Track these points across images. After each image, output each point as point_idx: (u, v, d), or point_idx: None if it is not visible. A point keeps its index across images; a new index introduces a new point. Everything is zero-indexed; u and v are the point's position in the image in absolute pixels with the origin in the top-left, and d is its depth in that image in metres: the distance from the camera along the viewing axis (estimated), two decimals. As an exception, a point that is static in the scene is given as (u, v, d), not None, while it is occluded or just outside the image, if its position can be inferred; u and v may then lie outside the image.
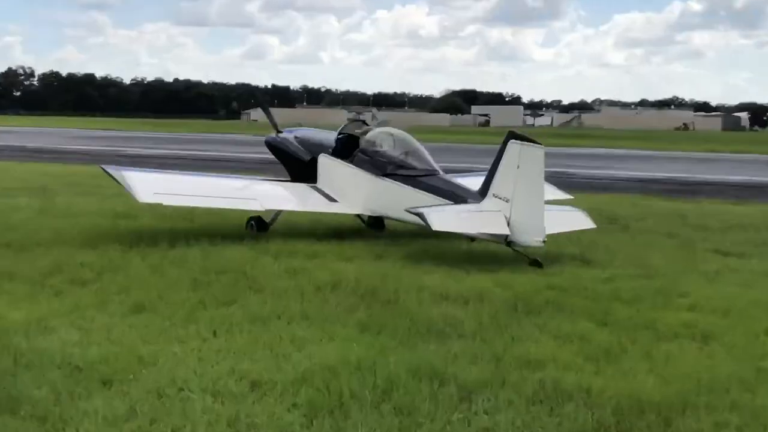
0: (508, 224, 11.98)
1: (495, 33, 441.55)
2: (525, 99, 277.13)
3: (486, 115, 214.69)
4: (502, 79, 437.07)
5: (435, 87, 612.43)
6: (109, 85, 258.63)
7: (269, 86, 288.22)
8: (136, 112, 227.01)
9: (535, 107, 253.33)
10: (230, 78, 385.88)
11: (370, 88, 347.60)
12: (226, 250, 12.43)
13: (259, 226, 14.61)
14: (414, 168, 14.18)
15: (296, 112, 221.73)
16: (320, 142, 15.90)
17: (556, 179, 17.86)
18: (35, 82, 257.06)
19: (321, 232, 14.63)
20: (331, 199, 14.71)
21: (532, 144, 11.96)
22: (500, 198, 12.18)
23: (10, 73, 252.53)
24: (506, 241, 12.14)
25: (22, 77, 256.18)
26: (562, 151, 46.60)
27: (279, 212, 14.71)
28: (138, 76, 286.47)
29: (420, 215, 12.37)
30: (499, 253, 12.63)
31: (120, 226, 14.63)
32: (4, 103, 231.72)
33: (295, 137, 16.38)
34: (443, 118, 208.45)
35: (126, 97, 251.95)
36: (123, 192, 14.18)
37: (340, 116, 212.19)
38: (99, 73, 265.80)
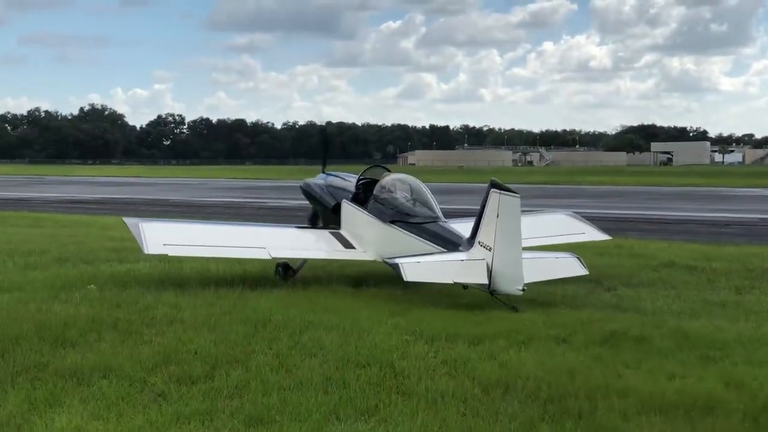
0: (490, 273, 12.60)
1: (675, 62, 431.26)
2: (711, 134, 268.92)
3: (668, 152, 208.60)
4: (684, 113, 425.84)
5: (608, 123, 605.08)
6: (260, 131, 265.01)
7: (427, 126, 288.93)
8: (287, 158, 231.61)
9: (724, 142, 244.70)
10: (385, 119, 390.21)
11: (536, 126, 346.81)
12: (372, 331, 10.83)
13: (285, 273, 15.53)
14: (417, 215, 14.94)
15: (456, 153, 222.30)
16: (344, 188, 16.63)
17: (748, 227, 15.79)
18: (185, 130, 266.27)
19: (478, 299, 12.95)
20: (349, 246, 15.41)
21: (509, 193, 12.68)
22: (484, 246, 12.84)
23: (161, 122, 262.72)
24: (488, 290, 12.75)
25: (172, 125, 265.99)
26: (757, 193, 43.48)
27: (305, 260, 15.63)
28: (290, 120, 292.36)
29: (394, 266, 13.20)
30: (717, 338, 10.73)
31: (249, 299, 13.23)
32: (155, 152, 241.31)
33: (325, 182, 17.22)
34: (619, 157, 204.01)
35: (278, 143, 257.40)
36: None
37: (505, 157, 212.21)
38: (250, 119, 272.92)
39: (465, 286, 13.32)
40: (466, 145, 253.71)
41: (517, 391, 8.36)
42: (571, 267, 14.23)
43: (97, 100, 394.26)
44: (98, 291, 13.54)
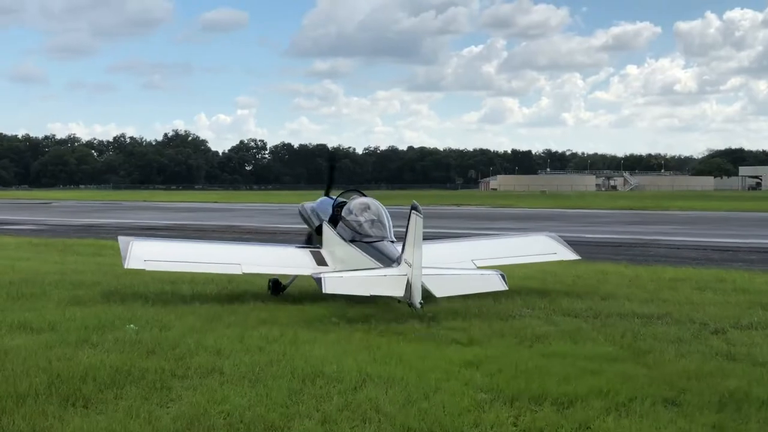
0: (410, 286, 13.49)
1: (763, 84, 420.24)
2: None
3: (757, 176, 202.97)
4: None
5: (694, 147, 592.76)
6: (341, 156, 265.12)
7: (509, 151, 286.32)
8: (369, 183, 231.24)
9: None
10: (467, 144, 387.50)
11: (620, 151, 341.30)
12: (441, 389, 9.11)
13: (274, 289, 16.67)
14: (371, 236, 15.90)
15: (538, 178, 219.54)
16: (326, 210, 17.59)
17: None
18: (267, 155, 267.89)
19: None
20: (322, 263, 16.16)
21: (418, 213, 13.63)
22: (407, 263, 13.68)
23: (243, 147, 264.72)
24: (407, 303, 13.67)
25: (254, 150, 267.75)
26: None
27: (294, 276, 16.49)
28: (371, 145, 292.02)
29: (317, 280, 13.99)
30: None
31: (303, 344, 11.61)
32: (237, 177, 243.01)
33: (315, 205, 18.29)
34: (707, 182, 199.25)
35: (359, 168, 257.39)
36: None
37: (588, 181, 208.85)
38: (331, 144, 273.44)
39: (399, 300, 14.07)
40: (548, 169, 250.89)
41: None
42: (492, 283, 14.78)
43: (182, 126, 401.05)
44: (137, 332, 12.07)
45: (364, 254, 15.50)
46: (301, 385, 9.16)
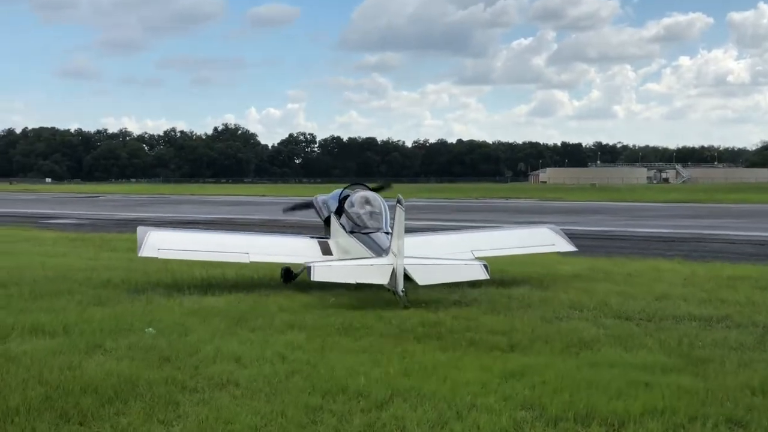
0: (394, 275, 14.17)
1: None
2: None
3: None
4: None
5: (747, 139, 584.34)
6: (390, 149, 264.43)
7: (558, 144, 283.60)
8: (417, 176, 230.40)
9: None
10: (516, 137, 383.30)
11: (672, 143, 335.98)
12: (477, 405, 8.18)
13: (286, 277, 17.11)
14: (368, 227, 16.55)
15: (589, 171, 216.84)
16: (335, 203, 17.98)
17: None
18: (316, 149, 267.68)
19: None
20: (327, 252, 16.79)
21: (401, 206, 14.29)
22: (394, 253, 14.39)
23: (292, 140, 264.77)
24: (392, 290, 14.30)
25: (304, 144, 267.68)
26: None
27: (303, 265, 15.80)
28: (420, 138, 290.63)
29: (307, 269, 14.75)
30: None
31: (331, 352, 10.73)
32: (287, 171, 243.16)
33: (326, 198, 18.85)
34: (761, 174, 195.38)
35: (408, 161, 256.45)
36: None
37: (639, 174, 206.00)
38: (381, 137, 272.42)
39: (388, 289, 14.50)
40: (598, 162, 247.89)
41: None
42: (474, 272, 15.18)
43: (232, 120, 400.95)
44: (154, 337, 11.26)
45: (361, 244, 16.18)
46: (321, 402, 8.24)
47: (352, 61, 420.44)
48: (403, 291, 14.12)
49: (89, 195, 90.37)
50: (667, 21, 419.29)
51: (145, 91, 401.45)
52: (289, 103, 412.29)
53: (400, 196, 14.53)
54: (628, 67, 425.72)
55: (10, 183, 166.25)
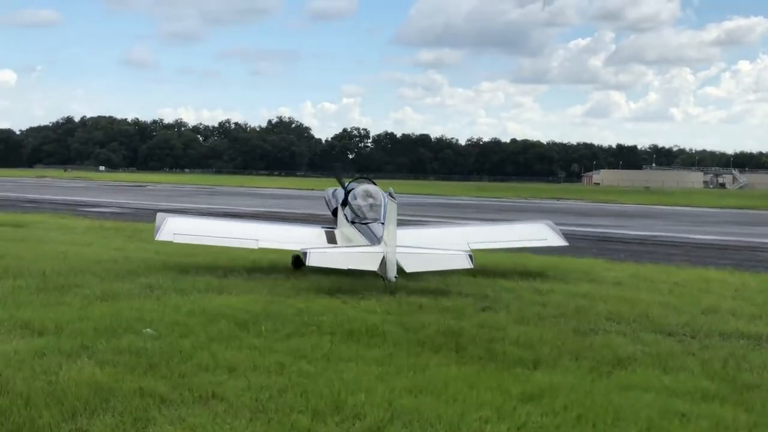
0: (385, 262, 14.84)
1: None
2: None
3: None
4: None
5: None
6: (444, 146, 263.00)
7: (614, 146, 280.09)
8: (470, 174, 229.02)
9: None
10: (571, 138, 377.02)
11: (729, 148, 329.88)
12: None
13: (296, 263, 17.86)
14: (366, 218, 17.41)
15: (643, 173, 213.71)
16: (341, 196, 19.02)
17: None
18: (369, 144, 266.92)
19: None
20: (333, 241, 17.80)
21: (393, 200, 15.51)
22: (385, 242, 15.26)
23: (345, 135, 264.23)
24: (382, 276, 14.99)
25: (357, 139, 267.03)
26: None
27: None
28: (474, 136, 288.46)
29: (303, 254, 15.56)
30: None
31: (335, 363, 9.79)
32: (340, 165, 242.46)
33: (334, 191, 20.05)
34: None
35: (461, 159, 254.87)
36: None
37: (695, 178, 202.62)
38: (435, 134, 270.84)
39: (381, 276, 15.18)
40: (653, 165, 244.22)
41: None
42: (458, 262, 15.94)
43: (287, 113, 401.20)
44: (150, 339, 10.38)
45: (360, 234, 17.01)
46: (310, 423, 7.30)
47: (408, 57, 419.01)
48: (395, 277, 14.81)
49: (137, 184, 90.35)
50: (727, 24, 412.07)
51: (202, 82, 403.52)
52: (344, 97, 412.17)
53: (392, 190, 16.19)
54: (687, 70, 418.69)
55: (65, 170, 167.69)
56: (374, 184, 19.16)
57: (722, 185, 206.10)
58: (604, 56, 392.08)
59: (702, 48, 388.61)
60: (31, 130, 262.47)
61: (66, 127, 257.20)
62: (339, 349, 10.21)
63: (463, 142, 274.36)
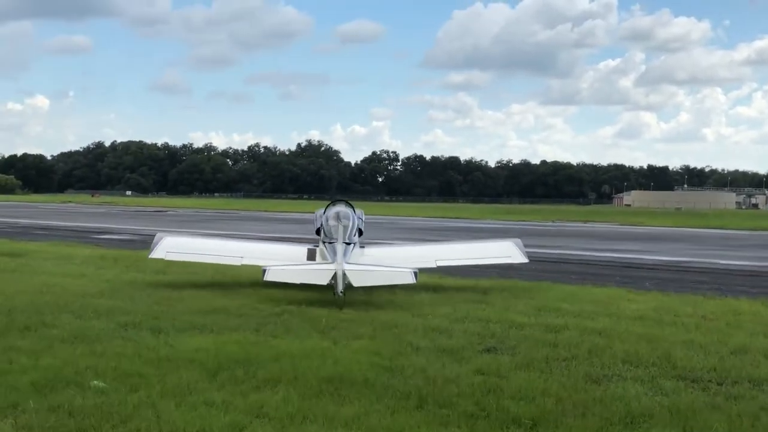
0: (335, 278, 16.48)
1: None
2: None
3: None
4: None
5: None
6: (473, 169, 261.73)
7: (645, 167, 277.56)
8: (500, 196, 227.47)
9: None
10: (601, 159, 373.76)
11: (762, 168, 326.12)
12: None
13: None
14: (331, 237, 18.45)
15: (675, 194, 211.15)
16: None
17: None
18: (399, 167, 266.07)
19: None
20: (312, 259, 19.01)
21: (340, 222, 18.33)
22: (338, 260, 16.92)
23: (375, 158, 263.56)
24: (333, 290, 16.60)
25: (386, 162, 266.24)
26: None
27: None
28: (503, 158, 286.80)
29: (263, 271, 17.01)
30: None
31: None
32: (369, 188, 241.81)
33: (321, 211, 20.53)
34: None
35: (490, 181, 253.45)
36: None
37: (728, 199, 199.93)
38: (465, 156, 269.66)
39: (334, 292, 16.52)
40: (685, 186, 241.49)
41: None
42: (403, 277, 17.27)
43: (317, 136, 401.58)
44: (93, 395, 9.06)
45: (327, 251, 18.25)
46: None
47: (437, 80, 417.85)
48: (342, 293, 16.30)
49: (159, 209, 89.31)
50: (759, 43, 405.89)
51: (233, 106, 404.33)
52: (374, 120, 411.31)
53: (340, 213, 18.81)
54: (719, 89, 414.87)
55: (92, 196, 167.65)
56: (351, 206, 20.57)
57: (755, 206, 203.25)
58: (635, 77, 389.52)
59: (733, 67, 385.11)
60: (62, 155, 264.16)
61: (96, 152, 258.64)
62: (307, 406, 8.83)
63: (492, 164, 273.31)
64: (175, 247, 19.57)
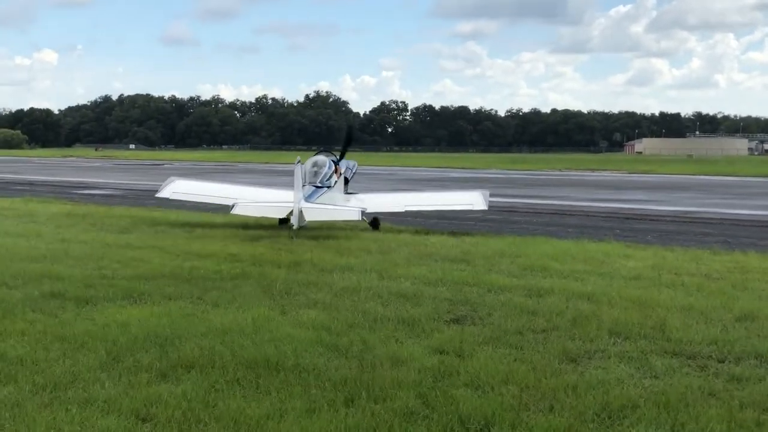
0: (292, 213, 19.13)
1: None
2: None
3: None
4: None
5: None
6: (483, 118, 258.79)
7: (656, 114, 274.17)
8: (510, 145, 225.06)
9: None
10: (613, 107, 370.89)
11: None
12: None
13: (280, 222, 20.94)
14: (305, 181, 20.63)
15: (687, 141, 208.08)
16: None
17: None
18: (408, 117, 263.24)
19: None
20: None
21: (299, 164, 19.76)
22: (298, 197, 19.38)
23: (384, 108, 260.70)
24: (288, 224, 19.54)
25: (395, 112, 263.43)
26: None
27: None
28: (513, 107, 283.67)
29: (232, 205, 20.32)
30: None
31: None
32: (378, 139, 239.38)
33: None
34: None
35: (500, 130, 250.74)
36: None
37: (740, 145, 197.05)
38: (475, 106, 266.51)
39: (285, 221, 20.12)
40: (697, 132, 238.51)
41: None
42: (350, 215, 20.33)
43: (326, 87, 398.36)
44: None
45: (298, 192, 19.55)
46: None
47: (446, 29, 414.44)
48: (296, 228, 18.72)
49: (156, 162, 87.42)
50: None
51: (241, 57, 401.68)
52: (383, 70, 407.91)
53: (299, 158, 19.98)
54: (731, 35, 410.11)
55: (95, 149, 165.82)
56: (332, 155, 23.12)
57: (767, 152, 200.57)
58: (646, 23, 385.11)
59: (745, 12, 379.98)
60: (70, 109, 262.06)
61: (104, 105, 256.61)
62: (215, 399, 7.23)
63: (502, 113, 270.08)
64: (182, 189, 22.84)
